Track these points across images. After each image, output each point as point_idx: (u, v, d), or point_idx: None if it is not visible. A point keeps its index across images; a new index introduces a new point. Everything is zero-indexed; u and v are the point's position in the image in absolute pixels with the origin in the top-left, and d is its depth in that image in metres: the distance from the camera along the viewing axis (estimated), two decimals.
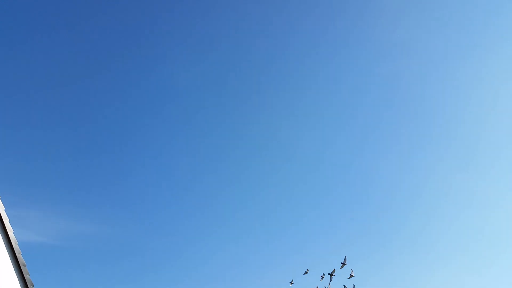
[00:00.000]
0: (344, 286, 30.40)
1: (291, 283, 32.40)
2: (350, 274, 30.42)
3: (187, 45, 59.03)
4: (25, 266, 12.06)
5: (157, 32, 60.57)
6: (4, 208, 11.23)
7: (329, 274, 31.05)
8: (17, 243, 11.77)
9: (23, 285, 12.11)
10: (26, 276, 12.11)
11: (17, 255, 11.76)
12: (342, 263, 30.74)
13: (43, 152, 76.07)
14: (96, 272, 76.18)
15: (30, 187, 72.01)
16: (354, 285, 29.96)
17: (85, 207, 78.39)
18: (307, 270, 32.61)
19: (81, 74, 62.17)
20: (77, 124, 78.59)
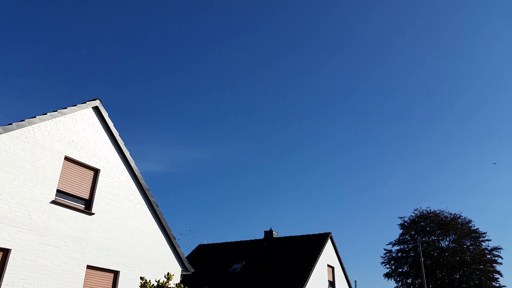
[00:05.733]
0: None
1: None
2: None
3: None
4: (148, 190, 13.77)
5: None
6: (123, 143, 13.21)
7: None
8: (139, 171, 13.45)
9: (149, 206, 13.71)
10: (151, 198, 13.68)
11: (141, 182, 13.50)
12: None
13: (158, 95, 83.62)
14: (211, 194, 77.10)
15: (147, 124, 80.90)
16: None
17: (198, 136, 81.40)
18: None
19: None
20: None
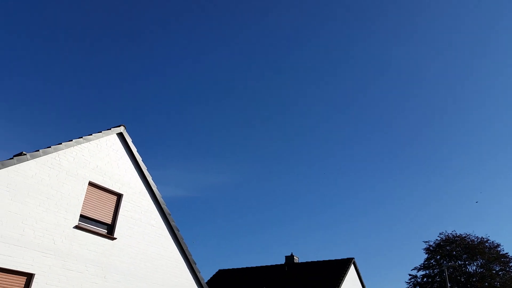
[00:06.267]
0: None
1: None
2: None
3: None
4: (170, 215, 13.71)
5: None
6: (146, 168, 13.34)
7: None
8: (161, 196, 13.52)
9: (170, 230, 13.70)
10: (172, 223, 13.70)
11: (162, 206, 13.51)
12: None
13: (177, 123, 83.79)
14: (232, 218, 77.80)
15: (170, 148, 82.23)
16: None
17: (219, 161, 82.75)
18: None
19: None
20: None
